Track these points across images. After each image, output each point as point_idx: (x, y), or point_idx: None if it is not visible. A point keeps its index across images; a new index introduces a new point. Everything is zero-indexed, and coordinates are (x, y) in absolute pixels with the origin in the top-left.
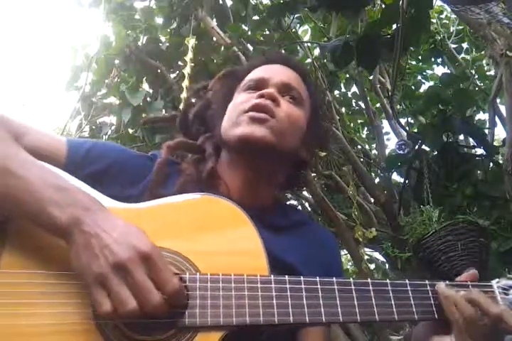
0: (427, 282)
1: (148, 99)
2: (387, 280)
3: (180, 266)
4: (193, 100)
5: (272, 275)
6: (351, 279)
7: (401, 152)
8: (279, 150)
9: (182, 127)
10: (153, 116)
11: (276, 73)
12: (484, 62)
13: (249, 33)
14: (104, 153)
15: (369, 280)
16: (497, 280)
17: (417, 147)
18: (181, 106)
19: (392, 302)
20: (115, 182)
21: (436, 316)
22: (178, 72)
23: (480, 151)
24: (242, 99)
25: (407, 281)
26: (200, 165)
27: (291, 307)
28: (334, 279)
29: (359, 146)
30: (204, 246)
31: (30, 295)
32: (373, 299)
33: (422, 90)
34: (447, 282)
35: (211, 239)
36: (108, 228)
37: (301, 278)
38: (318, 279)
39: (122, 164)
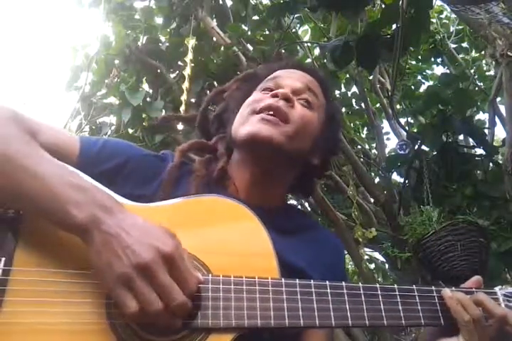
0: (433, 288)
1: (148, 99)
2: (395, 286)
3: None
4: (212, 101)
5: (283, 279)
6: (360, 284)
7: (402, 152)
8: (286, 152)
9: (201, 127)
10: (174, 115)
11: (293, 76)
12: (484, 62)
13: (249, 33)
14: (117, 152)
15: (377, 286)
16: (500, 287)
17: (416, 147)
18: (182, 108)
19: (400, 307)
20: (127, 180)
21: (442, 322)
22: (178, 72)
23: (480, 151)
24: (255, 98)
25: (414, 287)
26: (211, 165)
27: (302, 311)
28: (343, 283)
29: (359, 146)
30: (214, 246)
31: (44, 293)
32: (381, 304)
33: (422, 90)
34: (453, 288)
35: (221, 239)
36: (128, 228)
37: (311, 282)
38: (327, 283)
39: (135, 163)
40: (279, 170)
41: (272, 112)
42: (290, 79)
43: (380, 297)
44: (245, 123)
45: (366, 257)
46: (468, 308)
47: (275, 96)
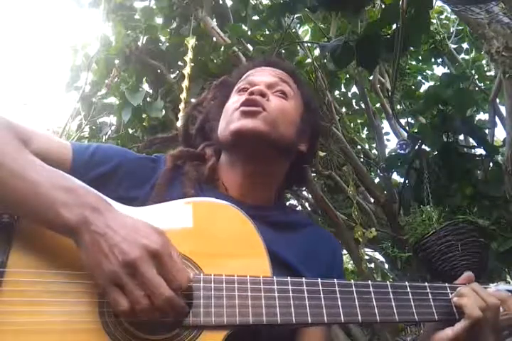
0: (426, 284)
1: (148, 99)
2: (388, 282)
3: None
4: (191, 116)
5: (275, 277)
6: (352, 281)
7: (402, 151)
8: (273, 141)
9: (185, 143)
10: (154, 137)
11: (263, 73)
12: (484, 62)
13: (249, 33)
14: (109, 156)
15: (370, 282)
16: (496, 283)
17: (417, 147)
18: (181, 106)
19: (393, 303)
20: (120, 184)
21: (436, 318)
22: (178, 72)
23: (480, 151)
24: (233, 100)
25: (406, 283)
26: (201, 168)
27: (294, 308)
28: (335, 281)
29: (359, 146)
30: (207, 248)
31: (38, 294)
32: (374, 300)
33: (422, 90)
34: (447, 284)
35: (214, 241)
36: (116, 227)
37: (303, 280)
38: (319, 281)
39: (127, 166)
40: (270, 167)
41: (250, 105)
42: (261, 75)
43: (372, 294)
44: (230, 123)
45: (366, 257)
46: (487, 300)
47: (251, 93)
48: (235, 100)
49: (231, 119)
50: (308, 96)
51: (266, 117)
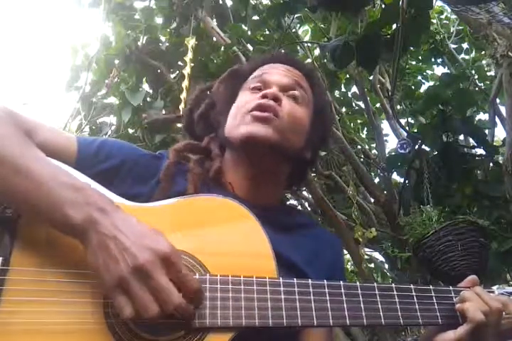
0: (431, 287)
1: (148, 99)
2: (393, 285)
3: (188, 265)
4: (198, 101)
5: (281, 278)
6: (358, 283)
7: (402, 151)
8: (282, 149)
9: (187, 127)
10: (155, 117)
11: (279, 72)
12: (484, 62)
13: (249, 33)
14: (115, 151)
15: (375, 285)
16: (498, 286)
17: (417, 147)
18: (181, 106)
19: (398, 306)
20: (125, 180)
21: (440, 321)
22: (178, 72)
23: (480, 151)
24: (245, 99)
25: (412, 286)
26: (205, 165)
27: (300, 310)
28: (341, 283)
29: (359, 146)
30: (212, 246)
31: (42, 293)
32: (379, 303)
33: (422, 90)
34: (451, 288)
35: (220, 240)
36: (125, 230)
37: (309, 282)
38: (325, 283)
39: (132, 162)
40: (273, 169)
41: (263, 110)
42: (277, 74)
43: (377, 296)
44: (240, 125)
45: (366, 257)
46: (490, 304)
47: (264, 96)
48: (248, 99)
49: (242, 122)
50: (322, 101)
51: (277, 125)
